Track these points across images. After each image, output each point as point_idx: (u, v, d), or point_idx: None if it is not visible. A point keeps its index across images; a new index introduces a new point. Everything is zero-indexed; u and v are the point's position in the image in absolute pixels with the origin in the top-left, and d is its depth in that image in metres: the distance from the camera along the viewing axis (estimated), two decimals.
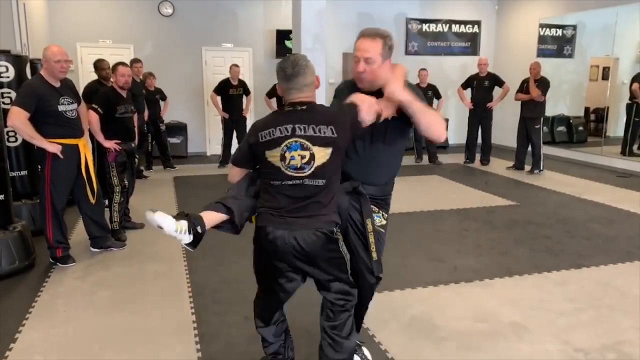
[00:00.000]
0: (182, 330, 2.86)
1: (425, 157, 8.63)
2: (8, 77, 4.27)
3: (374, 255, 2.26)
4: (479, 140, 8.33)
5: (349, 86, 2.29)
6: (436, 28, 10.28)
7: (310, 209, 2.06)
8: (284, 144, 2.01)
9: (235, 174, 2.31)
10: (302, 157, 2.01)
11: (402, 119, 2.16)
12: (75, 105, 3.76)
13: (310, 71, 2.10)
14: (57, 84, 3.66)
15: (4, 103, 4.01)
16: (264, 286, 2.31)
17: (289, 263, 2.10)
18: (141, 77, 7.10)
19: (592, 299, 3.29)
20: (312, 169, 2.01)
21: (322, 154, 2.02)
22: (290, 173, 2.03)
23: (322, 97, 5.23)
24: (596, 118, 9.56)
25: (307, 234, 2.04)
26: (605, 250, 4.21)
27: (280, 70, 2.09)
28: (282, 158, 2.02)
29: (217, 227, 2.25)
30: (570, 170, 7.83)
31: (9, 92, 4.24)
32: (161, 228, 2.13)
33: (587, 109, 9.67)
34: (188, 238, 2.14)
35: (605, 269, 3.81)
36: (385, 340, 2.75)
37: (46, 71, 3.62)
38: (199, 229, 2.13)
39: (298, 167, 2.02)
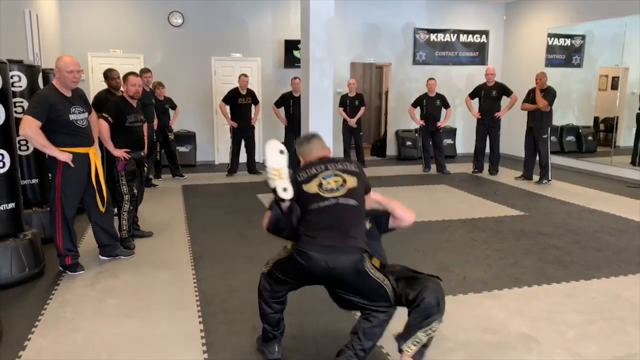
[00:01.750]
0: (190, 339, 2.86)
1: (434, 167, 8.62)
2: (20, 86, 4.32)
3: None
4: (487, 150, 8.31)
5: None
6: (444, 38, 10.30)
7: (343, 230, 2.30)
8: (320, 175, 2.41)
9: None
10: (336, 182, 2.39)
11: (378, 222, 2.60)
12: (86, 115, 3.80)
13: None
14: (69, 94, 3.71)
15: (16, 112, 4.05)
16: (285, 283, 2.50)
17: (322, 281, 2.39)
18: (151, 86, 7.16)
19: (603, 310, 3.25)
20: (346, 190, 2.37)
21: (351, 180, 2.41)
22: (327, 195, 2.36)
23: (330, 105, 5.25)
24: (605, 128, 9.51)
25: (339, 258, 2.25)
26: (615, 261, 4.17)
27: (303, 139, 2.62)
28: (320, 185, 2.38)
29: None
30: (579, 180, 7.78)
31: (22, 102, 4.29)
32: (282, 153, 2.39)
33: (596, 119, 9.62)
34: (287, 175, 2.35)
35: (616, 280, 3.77)
36: (393, 351, 2.73)
37: (58, 81, 3.67)
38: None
39: (334, 189, 2.37)
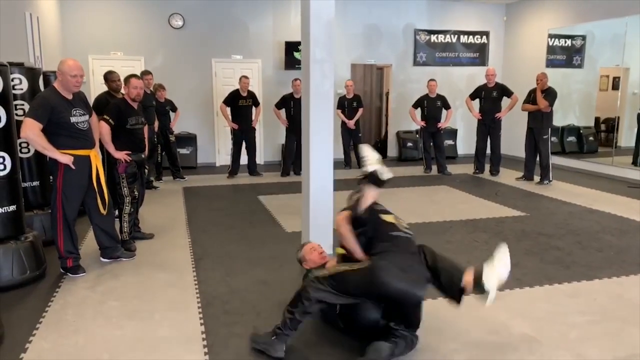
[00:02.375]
0: (191, 340, 2.86)
1: (434, 168, 8.61)
2: (21, 89, 4.33)
3: None
4: (488, 151, 8.30)
5: None
6: (444, 39, 10.31)
7: (416, 260, 2.67)
8: (394, 214, 2.89)
9: (348, 228, 2.79)
10: (406, 225, 2.88)
11: None
12: (87, 117, 3.81)
13: None
14: (70, 96, 3.71)
15: (17, 115, 4.06)
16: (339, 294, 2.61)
17: (382, 298, 2.60)
18: (152, 88, 7.17)
19: (605, 311, 3.25)
20: (412, 234, 2.83)
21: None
22: (403, 229, 2.78)
23: (330, 106, 5.24)
24: (607, 128, 9.50)
25: (416, 284, 2.55)
26: (617, 261, 4.16)
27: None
28: (396, 219, 2.84)
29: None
30: (580, 180, 7.78)
31: (22, 104, 4.30)
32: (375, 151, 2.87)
33: (597, 119, 9.62)
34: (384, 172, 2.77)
35: (618, 280, 3.77)
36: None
37: (60, 84, 3.67)
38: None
39: (407, 228, 2.83)
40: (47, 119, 3.54)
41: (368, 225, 2.75)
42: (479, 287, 2.56)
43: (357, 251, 2.73)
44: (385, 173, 2.75)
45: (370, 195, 2.76)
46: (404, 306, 2.63)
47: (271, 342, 2.63)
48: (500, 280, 2.57)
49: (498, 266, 2.59)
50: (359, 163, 9.25)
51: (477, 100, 8.29)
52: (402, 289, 2.51)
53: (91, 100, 5.27)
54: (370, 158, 2.79)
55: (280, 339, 2.63)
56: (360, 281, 2.54)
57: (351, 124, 8.67)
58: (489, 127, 8.15)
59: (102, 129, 4.21)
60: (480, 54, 10.53)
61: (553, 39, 9.43)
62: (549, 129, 7.38)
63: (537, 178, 7.56)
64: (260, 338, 2.71)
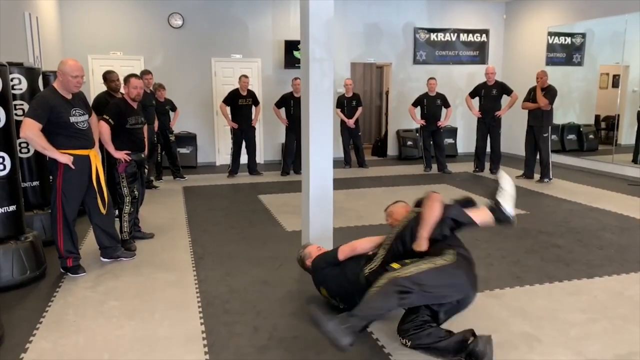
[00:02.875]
0: (192, 340, 2.86)
1: (435, 166, 8.61)
2: (21, 89, 4.32)
3: None
4: (488, 149, 8.30)
5: None
6: (444, 37, 10.30)
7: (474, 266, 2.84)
8: None
9: (441, 209, 2.94)
10: None
11: None
12: (86, 117, 3.81)
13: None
14: (69, 96, 3.71)
15: (16, 115, 4.05)
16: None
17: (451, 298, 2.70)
18: (151, 88, 7.17)
19: (605, 309, 3.24)
20: None
21: None
22: None
23: (330, 105, 5.26)
24: (607, 126, 9.50)
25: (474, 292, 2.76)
26: (617, 259, 4.16)
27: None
28: None
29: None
30: (581, 178, 7.77)
31: (22, 104, 4.29)
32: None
33: (597, 117, 9.61)
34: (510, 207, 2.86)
35: (618, 278, 3.77)
36: (395, 351, 2.74)
37: (60, 84, 3.67)
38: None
39: None
40: (47, 119, 3.54)
41: (458, 228, 2.95)
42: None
43: (427, 229, 2.79)
44: (513, 217, 2.87)
45: (486, 220, 2.89)
46: (460, 303, 2.74)
47: (341, 331, 2.41)
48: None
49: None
50: (359, 163, 9.14)
51: (477, 98, 8.27)
52: (472, 298, 2.73)
53: (91, 100, 5.26)
54: (508, 193, 2.88)
55: (349, 329, 2.42)
56: (447, 281, 2.63)
57: (351, 122, 8.67)
58: (489, 125, 8.14)
59: (102, 129, 4.21)
60: (480, 52, 10.53)
61: (553, 37, 9.42)
62: (549, 127, 7.37)
63: (537, 176, 7.55)
64: (329, 326, 2.43)
